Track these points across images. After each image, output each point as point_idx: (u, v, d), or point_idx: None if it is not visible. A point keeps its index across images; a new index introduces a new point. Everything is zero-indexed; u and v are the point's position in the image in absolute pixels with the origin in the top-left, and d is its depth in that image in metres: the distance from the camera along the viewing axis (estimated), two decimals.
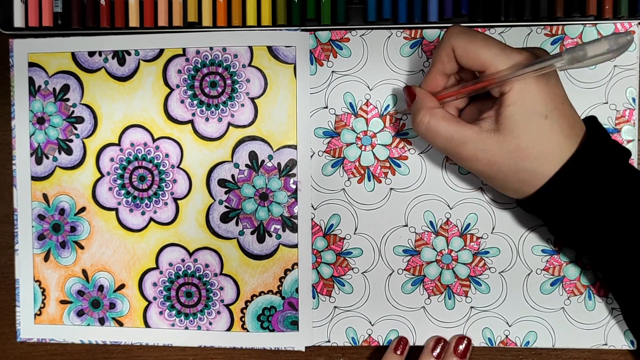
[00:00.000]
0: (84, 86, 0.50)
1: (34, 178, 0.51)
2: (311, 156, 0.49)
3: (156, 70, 0.49)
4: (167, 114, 0.49)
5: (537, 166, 0.40)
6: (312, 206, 0.49)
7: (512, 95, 0.39)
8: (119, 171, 0.50)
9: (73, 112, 0.50)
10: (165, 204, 0.50)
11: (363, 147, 0.49)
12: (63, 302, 0.51)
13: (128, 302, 0.51)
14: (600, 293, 0.48)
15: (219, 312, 0.50)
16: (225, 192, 0.49)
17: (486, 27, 0.48)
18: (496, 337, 0.49)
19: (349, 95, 0.49)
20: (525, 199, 0.43)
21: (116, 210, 0.50)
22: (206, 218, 0.50)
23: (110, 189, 0.50)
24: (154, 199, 0.50)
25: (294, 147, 0.49)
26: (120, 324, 0.51)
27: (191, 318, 0.50)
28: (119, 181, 0.50)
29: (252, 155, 0.49)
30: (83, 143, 0.50)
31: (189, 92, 0.49)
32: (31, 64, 0.50)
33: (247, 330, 0.50)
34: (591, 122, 0.42)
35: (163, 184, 0.50)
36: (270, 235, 0.49)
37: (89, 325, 0.51)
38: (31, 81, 0.50)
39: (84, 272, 0.51)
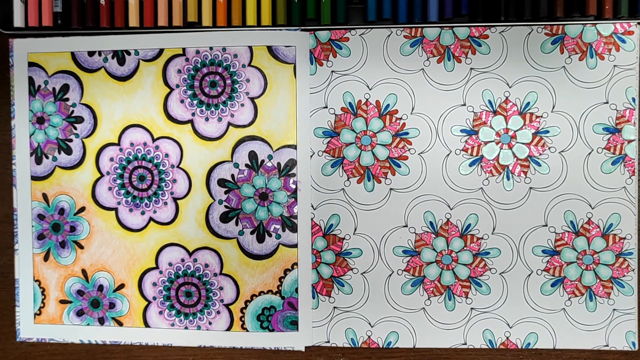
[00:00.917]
0: (84, 86, 0.50)
1: (34, 178, 0.51)
2: (311, 156, 0.49)
3: (156, 70, 0.49)
4: (167, 114, 0.49)
5: None
6: (312, 206, 0.49)
7: None
8: (119, 171, 0.50)
9: (73, 111, 0.50)
10: (165, 203, 0.50)
11: (363, 147, 0.49)
12: (63, 301, 0.51)
13: (128, 302, 0.51)
14: (601, 294, 0.48)
15: (218, 312, 0.50)
16: (225, 192, 0.49)
17: (486, 26, 0.48)
18: (497, 339, 0.49)
19: (348, 94, 0.49)
20: None
21: (116, 210, 0.50)
22: (206, 218, 0.50)
23: (110, 188, 0.50)
24: (154, 198, 0.50)
25: (294, 147, 0.49)
26: (120, 324, 0.51)
27: (191, 318, 0.50)
28: (118, 181, 0.50)
29: (252, 155, 0.49)
30: (83, 143, 0.50)
31: (189, 92, 0.49)
32: (31, 64, 0.50)
33: (247, 330, 0.50)
34: None
35: (163, 184, 0.50)
36: (270, 235, 0.49)
37: (88, 325, 0.51)
38: (31, 81, 0.50)
39: (84, 271, 0.51)
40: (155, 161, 0.50)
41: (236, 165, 0.49)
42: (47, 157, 0.50)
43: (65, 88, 0.50)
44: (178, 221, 0.50)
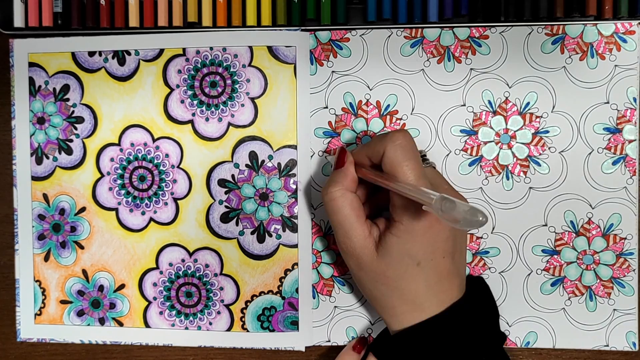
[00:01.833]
0: (84, 86, 0.50)
1: (34, 178, 0.51)
2: (311, 156, 0.49)
3: (156, 70, 0.49)
4: (167, 114, 0.49)
5: (395, 304, 0.41)
6: (312, 206, 0.49)
7: (398, 228, 0.39)
8: (119, 171, 0.50)
9: (73, 112, 0.50)
10: (165, 204, 0.50)
11: None
12: (63, 302, 0.51)
13: (128, 302, 0.51)
14: (601, 294, 0.48)
15: (219, 312, 0.50)
16: (225, 192, 0.49)
17: (486, 26, 0.48)
18: None
19: (349, 95, 0.49)
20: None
21: (116, 210, 0.50)
22: (206, 218, 0.50)
23: (110, 189, 0.50)
24: (154, 199, 0.50)
25: (294, 147, 0.49)
26: (121, 324, 0.51)
27: (191, 318, 0.50)
28: (119, 181, 0.50)
29: (252, 155, 0.49)
30: (83, 143, 0.50)
31: (189, 92, 0.49)
32: (31, 64, 0.50)
33: (247, 330, 0.50)
34: (478, 289, 0.43)
35: (163, 184, 0.50)
36: (270, 235, 0.49)
37: (89, 325, 0.51)
38: (31, 81, 0.50)
39: (84, 272, 0.51)
40: (155, 161, 0.50)
41: (236, 166, 0.49)
42: (47, 158, 0.50)
43: (65, 88, 0.50)
44: (178, 221, 0.50)
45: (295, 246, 0.49)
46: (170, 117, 0.49)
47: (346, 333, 0.49)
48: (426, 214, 0.38)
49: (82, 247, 0.51)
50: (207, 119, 0.49)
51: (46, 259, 0.51)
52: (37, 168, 0.51)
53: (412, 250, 0.39)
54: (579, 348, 0.49)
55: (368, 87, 0.49)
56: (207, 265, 0.50)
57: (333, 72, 0.49)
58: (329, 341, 0.50)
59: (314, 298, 0.49)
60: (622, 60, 0.47)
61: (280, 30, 0.49)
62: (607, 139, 0.48)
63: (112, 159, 0.50)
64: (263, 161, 0.49)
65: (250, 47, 0.49)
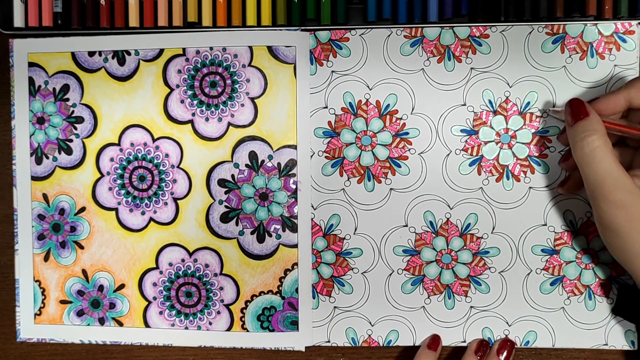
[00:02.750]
0: (84, 86, 0.50)
1: (34, 178, 0.51)
2: (311, 156, 0.49)
3: (156, 70, 0.49)
4: (167, 114, 0.49)
5: None
6: (312, 206, 0.49)
7: None
8: (119, 171, 0.50)
9: (73, 112, 0.50)
10: (165, 203, 0.50)
11: (363, 147, 0.49)
12: (63, 302, 0.51)
13: (128, 302, 0.51)
14: (600, 293, 0.48)
15: (218, 312, 0.50)
16: (225, 192, 0.49)
17: (487, 25, 0.48)
18: (496, 337, 0.49)
19: (348, 95, 0.49)
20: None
21: (116, 210, 0.50)
22: (206, 218, 0.50)
23: (110, 188, 0.50)
24: (154, 198, 0.50)
25: (294, 147, 0.49)
26: (120, 324, 0.51)
27: (191, 318, 0.50)
28: (119, 181, 0.50)
29: (252, 155, 0.49)
30: (83, 143, 0.50)
31: (189, 92, 0.49)
32: (31, 64, 0.50)
33: (247, 330, 0.50)
34: None
35: (163, 184, 0.50)
36: (270, 235, 0.49)
37: (88, 325, 0.51)
38: (31, 81, 0.50)
39: (84, 272, 0.51)
40: (155, 161, 0.50)
41: (236, 166, 0.49)
42: (47, 157, 0.50)
43: (65, 88, 0.50)
44: (178, 221, 0.50)
45: (295, 246, 0.49)
46: (170, 117, 0.49)
47: (346, 334, 0.49)
48: None
49: (82, 247, 0.51)
50: (207, 119, 0.49)
51: (46, 259, 0.51)
52: (37, 168, 0.50)
53: None
54: (579, 347, 0.49)
55: (368, 86, 0.49)
56: (207, 265, 0.50)
57: (333, 72, 0.49)
58: (329, 341, 0.50)
59: (313, 298, 0.49)
60: (621, 60, 0.47)
61: (280, 30, 0.49)
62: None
63: (112, 159, 0.50)
64: (263, 161, 0.49)
65: (250, 47, 0.49)
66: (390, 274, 0.49)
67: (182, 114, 0.49)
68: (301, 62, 0.48)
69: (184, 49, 0.49)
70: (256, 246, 0.49)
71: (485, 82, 0.48)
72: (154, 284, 0.50)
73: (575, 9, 0.47)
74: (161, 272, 0.50)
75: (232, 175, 0.49)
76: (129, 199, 0.50)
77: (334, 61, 0.49)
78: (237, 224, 0.49)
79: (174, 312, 0.50)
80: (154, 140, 0.50)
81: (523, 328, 0.49)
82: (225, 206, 0.49)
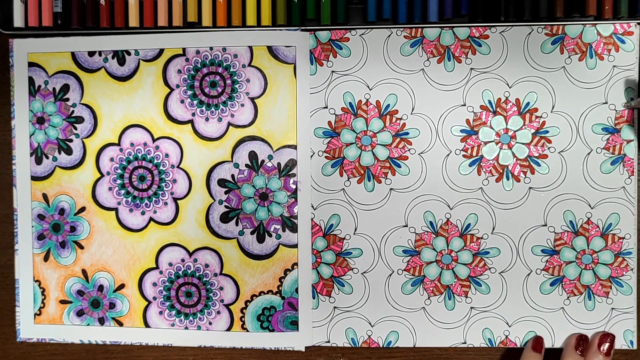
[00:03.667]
0: (84, 86, 0.50)
1: (34, 178, 0.50)
2: (311, 156, 0.49)
3: (156, 70, 0.49)
4: (167, 114, 0.49)
5: None
6: (312, 206, 0.49)
7: None
8: (119, 171, 0.50)
9: (73, 112, 0.50)
10: (165, 203, 0.50)
11: (363, 147, 0.49)
12: (63, 302, 0.51)
13: (128, 302, 0.51)
14: (600, 293, 0.48)
15: (218, 312, 0.50)
16: (225, 192, 0.49)
17: (486, 26, 0.48)
18: (496, 337, 0.49)
19: (348, 95, 0.49)
20: None
21: (116, 210, 0.50)
22: (206, 218, 0.50)
23: (110, 188, 0.50)
24: (154, 198, 0.50)
25: (294, 147, 0.49)
26: (120, 324, 0.51)
27: (191, 318, 0.50)
28: (118, 181, 0.50)
29: (252, 155, 0.49)
30: (83, 143, 0.50)
31: (189, 92, 0.49)
32: (31, 64, 0.50)
33: (247, 330, 0.50)
34: None
35: (163, 184, 0.50)
36: (270, 235, 0.49)
37: (88, 325, 0.51)
38: (31, 81, 0.50)
39: (84, 272, 0.51)
40: (155, 161, 0.50)
41: (236, 166, 0.49)
42: (47, 157, 0.50)
43: (65, 88, 0.50)
44: (178, 221, 0.50)
45: (295, 246, 0.49)
46: (170, 117, 0.49)
47: (345, 334, 0.49)
48: None
49: (81, 247, 0.51)
50: (207, 119, 0.49)
51: (46, 259, 0.51)
52: (37, 168, 0.50)
53: None
54: None
55: (368, 87, 0.49)
56: (207, 265, 0.50)
57: (333, 72, 0.49)
58: (329, 341, 0.50)
59: (313, 298, 0.49)
60: (620, 61, 0.47)
61: (280, 30, 0.49)
62: (605, 139, 0.48)
63: (112, 159, 0.50)
64: (263, 161, 0.49)
65: (250, 47, 0.49)
66: (390, 274, 0.49)
67: (182, 114, 0.49)
68: (301, 62, 0.49)
69: (184, 49, 0.49)
70: (256, 246, 0.49)
71: (485, 82, 0.48)
72: (154, 284, 0.50)
73: (575, 9, 0.47)
74: (161, 272, 0.50)
75: (232, 175, 0.49)
76: (129, 199, 0.50)
77: (334, 61, 0.49)
78: (237, 224, 0.49)
79: (174, 312, 0.50)
80: (154, 140, 0.50)
81: (523, 328, 0.49)
82: (225, 206, 0.49)
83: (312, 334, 0.49)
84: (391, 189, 0.49)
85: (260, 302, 0.50)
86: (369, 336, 0.49)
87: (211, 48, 0.49)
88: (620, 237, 0.48)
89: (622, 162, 0.48)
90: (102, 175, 0.50)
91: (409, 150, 0.49)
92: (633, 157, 0.48)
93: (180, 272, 0.50)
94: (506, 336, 0.49)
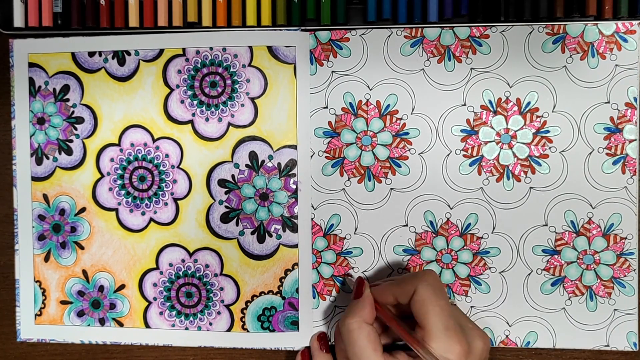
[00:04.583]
0: (84, 86, 0.50)
1: (34, 178, 0.51)
2: (311, 156, 0.49)
3: (156, 70, 0.49)
4: (167, 114, 0.49)
5: None
6: (312, 206, 0.49)
7: None
8: (119, 171, 0.50)
9: (73, 112, 0.50)
10: (165, 204, 0.50)
11: (363, 147, 0.49)
12: (63, 302, 0.51)
13: (128, 303, 0.51)
14: (602, 294, 0.48)
15: (219, 313, 0.50)
16: (226, 192, 0.49)
17: (486, 27, 0.48)
18: (496, 337, 0.49)
19: (349, 95, 0.49)
20: None
21: (116, 210, 0.50)
22: (206, 218, 0.50)
23: (110, 189, 0.50)
24: (154, 199, 0.50)
25: (294, 147, 0.49)
26: (121, 324, 0.51)
27: (191, 318, 0.50)
28: (119, 181, 0.50)
29: (252, 155, 0.49)
30: (83, 143, 0.50)
31: (189, 92, 0.49)
32: (31, 64, 0.50)
33: (247, 331, 0.50)
34: None
35: (163, 184, 0.50)
36: (271, 236, 0.49)
37: (89, 325, 0.51)
38: (31, 81, 0.50)
39: (84, 272, 0.51)
40: (155, 162, 0.50)
41: (236, 166, 0.49)
42: (47, 158, 0.50)
43: (65, 89, 0.50)
44: (178, 222, 0.50)
45: (295, 246, 0.49)
46: (170, 117, 0.49)
47: None
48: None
49: (82, 248, 0.51)
50: (207, 119, 0.49)
51: (46, 259, 0.51)
52: (37, 168, 0.50)
53: None
54: (579, 348, 0.48)
55: (368, 87, 0.49)
56: (207, 266, 0.50)
57: (333, 72, 0.49)
58: (330, 341, 0.49)
59: (314, 298, 0.49)
60: (622, 60, 0.47)
61: (280, 30, 0.49)
62: (607, 138, 0.48)
63: (112, 159, 0.50)
64: (263, 161, 0.49)
65: (250, 47, 0.49)
66: (390, 274, 0.49)
67: (182, 114, 0.49)
68: (301, 62, 0.48)
69: (184, 49, 0.49)
70: (256, 246, 0.49)
71: (486, 82, 0.48)
72: (154, 285, 0.50)
73: (575, 9, 0.47)
74: (161, 273, 0.50)
75: (232, 176, 0.49)
76: (129, 200, 0.50)
77: (334, 61, 0.49)
78: (237, 224, 0.49)
79: (174, 313, 0.50)
80: (154, 140, 0.50)
81: (524, 328, 0.49)
82: (226, 206, 0.49)
83: (313, 333, 0.49)
84: (391, 188, 0.49)
85: (260, 303, 0.49)
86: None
87: (211, 48, 0.49)
88: (622, 237, 0.48)
89: (624, 162, 0.48)
90: (103, 176, 0.50)
91: (409, 150, 0.49)
92: (635, 157, 0.48)
93: (181, 273, 0.50)
94: (506, 336, 0.49)
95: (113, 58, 0.50)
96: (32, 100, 0.50)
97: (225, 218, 0.49)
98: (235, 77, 0.49)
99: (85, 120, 0.50)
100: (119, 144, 0.50)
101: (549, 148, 0.48)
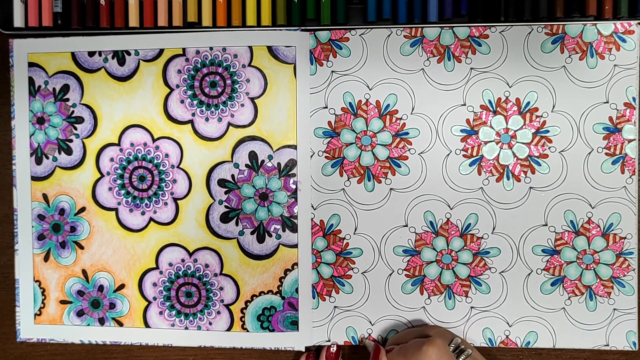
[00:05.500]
0: (84, 86, 0.50)
1: (34, 178, 0.51)
2: (311, 156, 0.49)
3: (156, 70, 0.49)
4: (167, 114, 0.49)
5: None
6: (312, 206, 0.49)
7: None
8: (119, 171, 0.50)
9: (73, 112, 0.50)
10: (165, 204, 0.50)
11: (363, 147, 0.49)
12: (63, 302, 0.51)
13: (128, 302, 0.51)
14: (602, 293, 0.48)
15: (218, 312, 0.50)
16: (225, 192, 0.49)
17: (486, 27, 0.48)
18: (496, 337, 0.49)
19: (348, 95, 0.49)
20: None
21: (116, 210, 0.50)
22: (206, 218, 0.50)
23: (110, 189, 0.50)
24: (154, 199, 0.50)
25: (294, 147, 0.49)
26: (120, 324, 0.51)
27: (191, 318, 0.50)
28: (118, 181, 0.50)
29: (252, 155, 0.49)
30: (83, 143, 0.50)
31: (189, 92, 0.49)
32: (31, 64, 0.50)
33: (247, 330, 0.50)
34: None
35: (163, 184, 0.50)
36: (270, 235, 0.49)
37: (88, 325, 0.51)
38: (31, 81, 0.50)
39: (84, 272, 0.51)
40: (155, 161, 0.50)
41: (236, 166, 0.49)
42: (47, 158, 0.50)
43: (65, 88, 0.50)
44: (178, 221, 0.50)
45: (295, 246, 0.49)
46: (170, 117, 0.49)
47: (346, 333, 0.49)
48: None
49: (82, 247, 0.51)
50: (207, 119, 0.49)
51: (46, 259, 0.51)
52: (37, 168, 0.50)
53: None
54: (579, 348, 0.49)
55: (368, 86, 0.49)
56: (207, 265, 0.50)
57: (333, 72, 0.49)
58: (329, 341, 0.49)
59: (313, 298, 0.49)
60: (621, 60, 0.47)
61: (280, 30, 0.49)
62: (606, 138, 0.48)
63: (112, 159, 0.50)
64: (263, 161, 0.49)
65: (250, 47, 0.49)
66: (391, 274, 0.49)
67: (182, 114, 0.49)
68: (301, 62, 0.48)
69: (184, 49, 0.49)
70: (256, 246, 0.49)
71: (485, 82, 0.48)
72: (154, 284, 0.50)
73: (575, 9, 0.47)
74: (161, 272, 0.50)
75: (232, 175, 0.49)
76: (129, 199, 0.50)
77: (334, 61, 0.49)
78: (237, 224, 0.49)
79: (174, 312, 0.50)
80: (154, 140, 0.50)
81: (524, 328, 0.49)
82: (225, 206, 0.49)
83: (312, 333, 0.49)
84: (391, 189, 0.49)
85: (260, 302, 0.49)
86: (369, 335, 0.49)
87: (211, 48, 0.49)
88: (622, 237, 0.48)
89: (623, 162, 0.48)
90: (102, 176, 0.50)
91: (409, 150, 0.49)
92: (634, 156, 0.48)
93: (181, 272, 0.50)
94: (506, 336, 0.49)
95: (113, 58, 0.50)
96: (32, 100, 0.50)
97: (225, 218, 0.49)
98: (235, 77, 0.49)
99: (85, 120, 0.50)
100: (118, 144, 0.50)
101: (549, 148, 0.48)
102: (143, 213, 0.50)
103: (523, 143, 0.48)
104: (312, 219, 0.49)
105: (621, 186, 0.48)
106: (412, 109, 0.49)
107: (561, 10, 0.47)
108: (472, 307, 0.49)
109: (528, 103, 0.48)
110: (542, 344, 0.49)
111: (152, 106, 0.50)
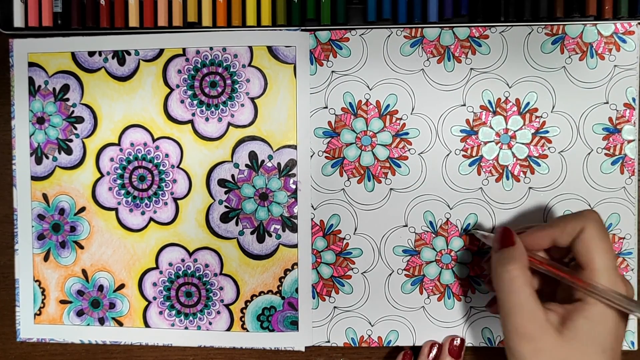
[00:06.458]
0: (84, 86, 0.50)
1: (34, 178, 0.51)
2: (311, 156, 0.49)
3: (156, 70, 0.49)
4: (167, 114, 0.49)
5: None
6: (312, 206, 0.49)
7: (592, 312, 0.38)
8: (119, 171, 0.50)
9: (73, 112, 0.50)
10: (165, 203, 0.50)
11: (363, 147, 0.49)
12: (63, 302, 0.51)
13: (128, 302, 0.51)
14: None
15: (218, 312, 0.50)
16: (225, 192, 0.49)
17: (486, 26, 0.48)
18: (496, 337, 0.49)
19: (348, 95, 0.49)
20: None
21: (116, 210, 0.50)
22: (206, 218, 0.50)
23: (110, 188, 0.50)
24: (154, 198, 0.50)
25: (294, 147, 0.49)
26: (120, 324, 0.51)
27: (191, 318, 0.50)
28: (118, 181, 0.50)
29: (252, 155, 0.49)
30: (83, 143, 0.50)
31: (189, 92, 0.49)
32: (31, 64, 0.50)
33: (247, 330, 0.50)
34: None
35: (163, 184, 0.50)
36: (270, 235, 0.49)
37: (88, 325, 0.51)
38: (31, 81, 0.50)
39: (84, 272, 0.51)
40: (155, 161, 0.50)
41: (236, 166, 0.49)
42: (47, 157, 0.50)
43: (65, 88, 0.50)
44: (178, 221, 0.50)
45: (295, 246, 0.49)
46: (170, 117, 0.49)
47: (346, 334, 0.49)
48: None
49: (81, 247, 0.51)
50: (207, 119, 0.49)
51: (46, 258, 0.51)
52: (37, 168, 0.50)
53: (601, 336, 0.38)
54: None
55: (368, 87, 0.49)
56: (207, 265, 0.50)
57: (333, 72, 0.49)
58: (329, 341, 0.50)
59: (313, 298, 0.49)
60: (621, 61, 0.47)
61: (280, 30, 0.49)
62: (606, 139, 0.48)
63: (112, 159, 0.50)
64: (263, 161, 0.49)
65: (250, 47, 0.49)
66: (390, 274, 0.49)
67: (182, 114, 0.49)
68: (301, 62, 0.49)
69: (184, 49, 0.49)
70: (256, 246, 0.49)
71: (485, 82, 0.48)
72: (154, 284, 0.50)
73: (575, 9, 0.47)
74: (161, 272, 0.50)
75: (232, 175, 0.49)
76: (129, 199, 0.50)
77: (334, 61, 0.49)
78: (237, 224, 0.49)
79: (173, 312, 0.50)
80: (154, 140, 0.50)
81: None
82: (225, 206, 0.49)
83: (312, 333, 0.49)
84: (391, 189, 0.49)
85: (260, 302, 0.50)
86: (369, 335, 0.49)
87: (211, 48, 0.49)
88: (621, 237, 0.48)
89: (622, 162, 0.48)
90: (102, 175, 0.50)
91: (409, 150, 0.49)
92: (634, 157, 0.48)
93: (180, 272, 0.50)
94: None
95: (113, 58, 0.50)
96: (32, 100, 0.50)
97: (225, 218, 0.49)
98: (235, 77, 0.49)
99: (85, 119, 0.50)
100: (118, 144, 0.50)
101: (548, 148, 0.48)
102: (143, 213, 0.50)
103: (522, 143, 0.48)
104: (312, 219, 0.49)
105: (620, 187, 0.48)
106: (412, 109, 0.49)
107: (561, 10, 0.47)
108: (471, 307, 0.49)
109: (528, 103, 0.48)
110: None
111: (152, 106, 0.50)
